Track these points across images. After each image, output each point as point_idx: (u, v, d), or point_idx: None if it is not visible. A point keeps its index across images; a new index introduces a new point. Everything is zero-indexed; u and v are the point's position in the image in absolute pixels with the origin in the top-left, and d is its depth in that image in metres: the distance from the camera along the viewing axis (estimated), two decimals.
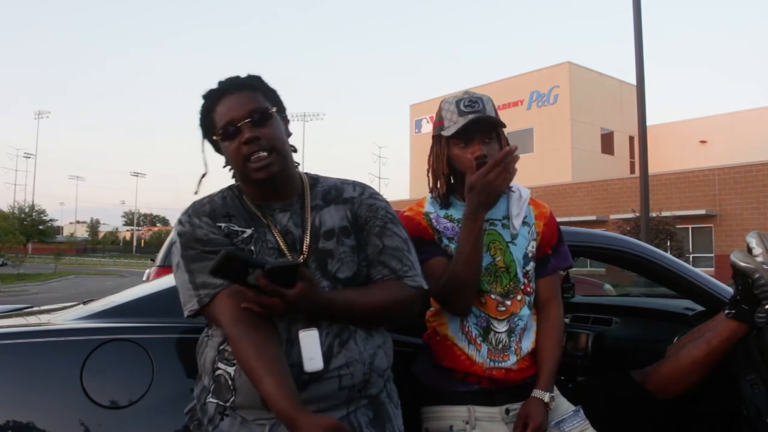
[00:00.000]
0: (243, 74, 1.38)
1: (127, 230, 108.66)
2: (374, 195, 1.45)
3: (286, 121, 1.43)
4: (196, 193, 1.44)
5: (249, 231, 1.33)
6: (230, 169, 1.41)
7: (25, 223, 50.10)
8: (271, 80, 1.41)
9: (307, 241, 1.34)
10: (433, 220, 1.68)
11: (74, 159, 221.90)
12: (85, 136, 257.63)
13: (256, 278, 1.14)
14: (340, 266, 1.33)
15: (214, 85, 1.37)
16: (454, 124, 1.62)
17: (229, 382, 1.26)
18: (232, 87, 1.35)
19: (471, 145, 1.62)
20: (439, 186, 1.70)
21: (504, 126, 1.67)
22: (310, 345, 1.23)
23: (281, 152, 1.34)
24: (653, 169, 16.69)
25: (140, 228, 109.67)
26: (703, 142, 31.33)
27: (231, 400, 1.26)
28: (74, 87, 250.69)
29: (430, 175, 1.73)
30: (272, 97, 1.39)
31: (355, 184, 1.46)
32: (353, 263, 1.35)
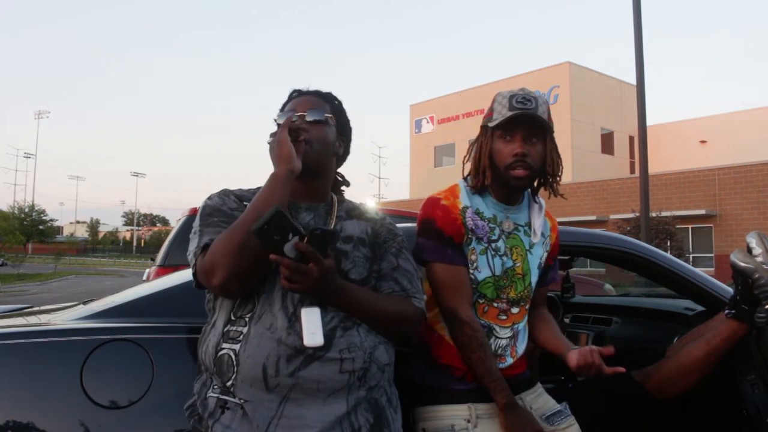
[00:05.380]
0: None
1: (127, 230, 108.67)
2: (393, 224, 1.56)
3: (346, 143, 1.57)
4: None
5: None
6: None
7: (25, 223, 49.95)
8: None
9: None
10: (469, 218, 1.64)
11: (74, 159, 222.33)
12: (85, 136, 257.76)
13: (292, 247, 1.17)
14: (353, 267, 1.40)
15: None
16: (501, 117, 1.60)
17: (233, 359, 1.29)
18: (311, 92, 1.54)
19: (513, 141, 1.60)
20: (481, 177, 1.65)
21: (552, 130, 1.65)
22: (312, 321, 1.28)
23: (319, 152, 1.45)
24: (653, 169, 16.70)
25: (140, 228, 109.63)
26: (703, 142, 31.32)
27: (232, 378, 1.28)
28: (74, 87, 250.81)
29: (469, 163, 1.70)
30: (338, 114, 1.54)
31: (376, 211, 1.59)
32: (364, 269, 1.42)
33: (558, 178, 1.68)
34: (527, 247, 1.68)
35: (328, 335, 1.29)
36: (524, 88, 1.66)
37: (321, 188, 1.50)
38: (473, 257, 1.62)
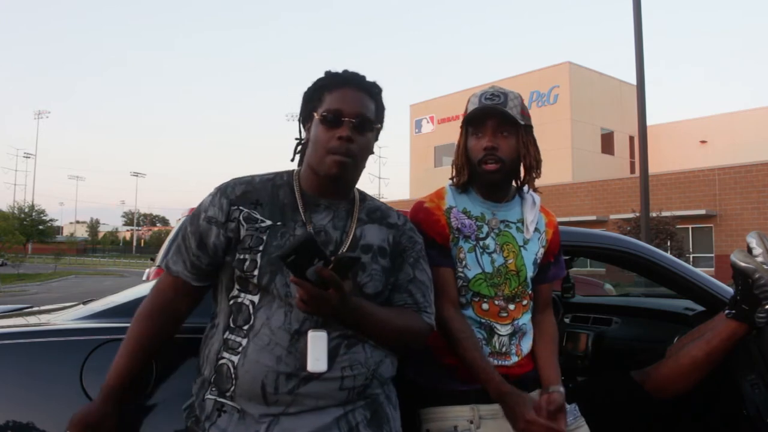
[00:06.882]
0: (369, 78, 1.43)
1: (127, 230, 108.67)
2: (413, 229, 1.50)
3: (377, 138, 1.47)
4: (292, 160, 1.49)
5: (268, 222, 1.33)
6: (299, 148, 1.46)
7: (25, 223, 49.95)
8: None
9: (344, 248, 1.35)
10: (453, 218, 1.65)
11: (74, 159, 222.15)
12: (85, 136, 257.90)
13: (315, 272, 1.14)
14: (369, 281, 1.35)
15: (338, 70, 1.42)
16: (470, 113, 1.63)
17: (231, 371, 1.27)
18: (355, 81, 1.39)
19: (484, 136, 1.62)
20: (459, 175, 1.69)
21: (527, 124, 1.64)
22: (318, 346, 1.24)
23: (360, 163, 1.38)
24: (653, 169, 16.69)
25: (140, 228, 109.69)
26: (703, 142, 31.33)
27: (231, 390, 1.27)
28: (74, 87, 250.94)
29: (453, 164, 1.73)
30: (380, 112, 1.43)
31: (398, 213, 1.50)
32: (380, 282, 1.37)
33: (537, 172, 1.68)
34: (520, 244, 1.67)
35: (331, 353, 1.25)
36: (495, 86, 1.69)
37: (348, 186, 1.42)
38: (462, 255, 1.63)
